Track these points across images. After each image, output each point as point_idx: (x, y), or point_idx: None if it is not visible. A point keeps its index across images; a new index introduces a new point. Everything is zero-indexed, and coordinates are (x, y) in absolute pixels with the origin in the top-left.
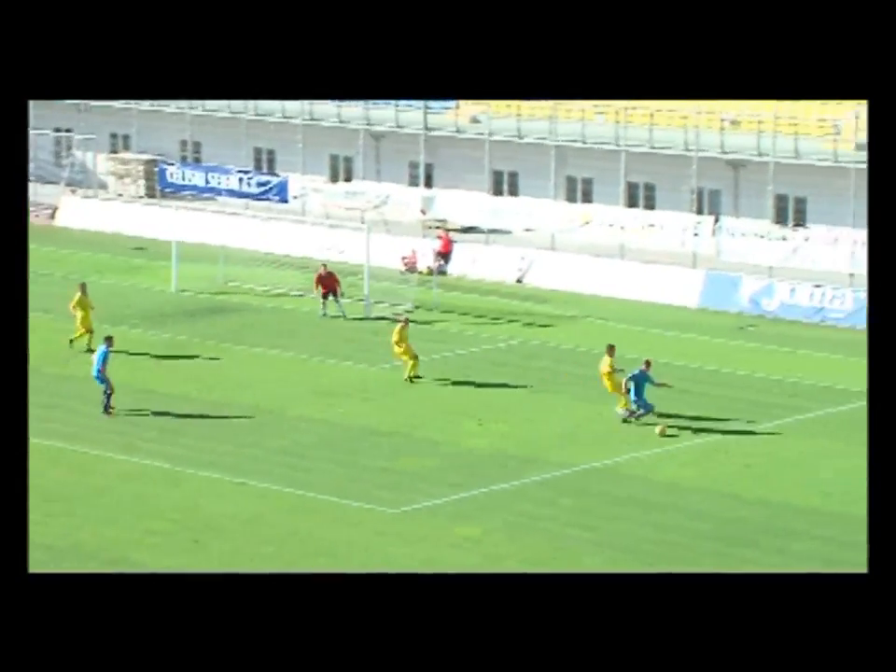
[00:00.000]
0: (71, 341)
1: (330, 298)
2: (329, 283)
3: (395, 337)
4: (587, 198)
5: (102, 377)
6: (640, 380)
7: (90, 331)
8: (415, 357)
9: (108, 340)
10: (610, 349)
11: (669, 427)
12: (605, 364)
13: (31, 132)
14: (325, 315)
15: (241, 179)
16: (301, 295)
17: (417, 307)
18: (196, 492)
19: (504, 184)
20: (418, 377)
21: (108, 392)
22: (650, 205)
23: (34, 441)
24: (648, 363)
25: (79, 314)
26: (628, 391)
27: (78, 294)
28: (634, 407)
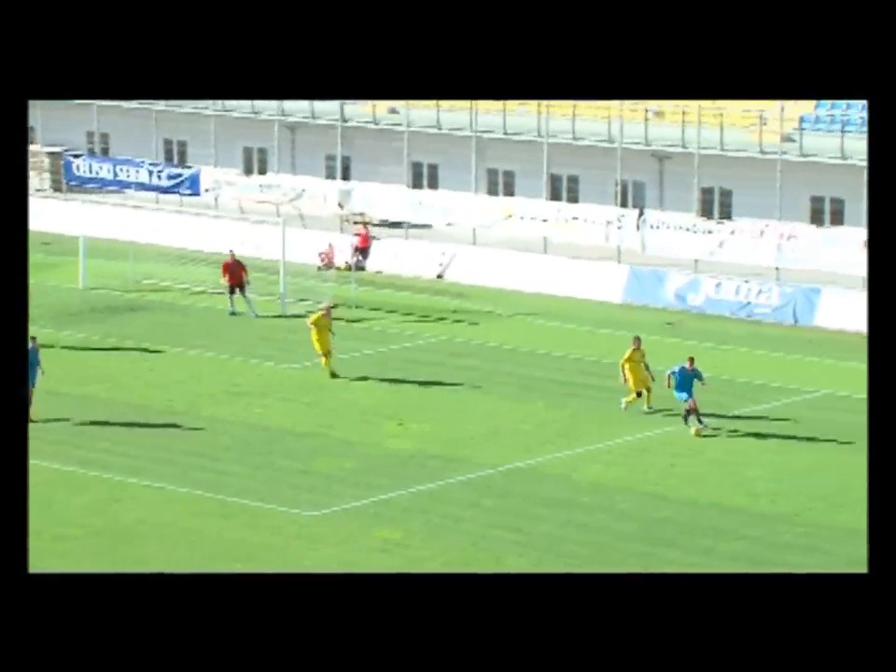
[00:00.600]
0: None
1: (238, 294)
2: (236, 272)
3: (311, 319)
4: (509, 191)
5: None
6: (687, 377)
7: None
8: (328, 353)
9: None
10: (636, 341)
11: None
12: (630, 355)
13: None
14: (233, 313)
15: (151, 172)
16: (214, 292)
17: (335, 305)
18: (107, 497)
19: (424, 176)
20: (335, 375)
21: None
22: (573, 198)
23: None
24: (692, 360)
25: None
26: (670, 386)
27: None
28: (685, 402)
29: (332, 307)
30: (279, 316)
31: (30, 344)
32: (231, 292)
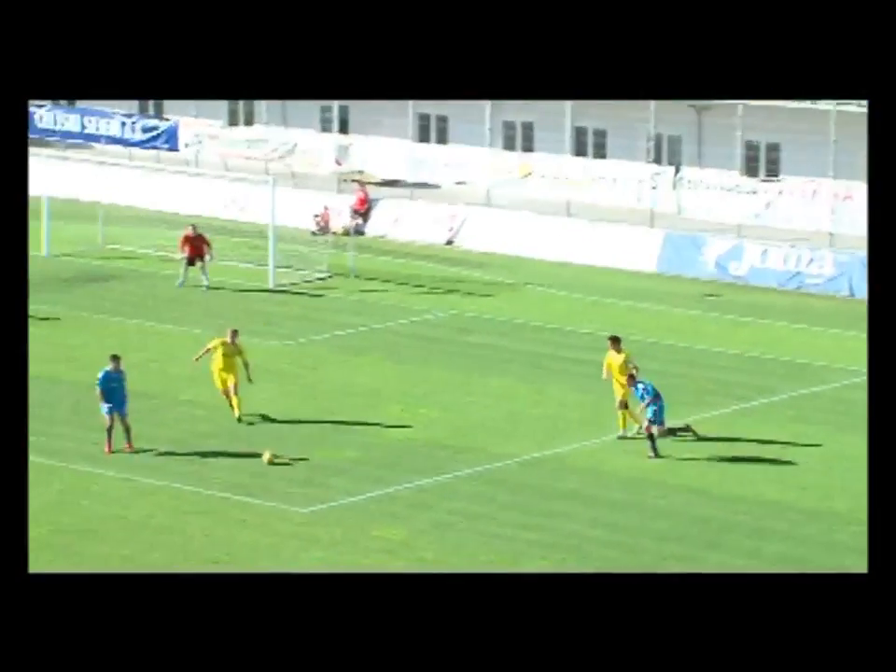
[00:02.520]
0: None
1: (197, 263)
2: (196, 245)
3: (210, 343)
4: (527, 146)
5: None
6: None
7: None
8: (228, 393)
9: (114, 358)
10: (614, 341)
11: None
12: (614, 359)
13: None
14: (182, 283)
15: (123, 124)
16: (210, 261)
17: (332, 274)
18: (74, 490)
19: (431, 130)
20: (240, 420)
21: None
22: (600, 154)
23: None
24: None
25: None
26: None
27: None
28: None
29: (235, 335)
30: (265, 290)
31: (111, 367)
32: (190, 263)
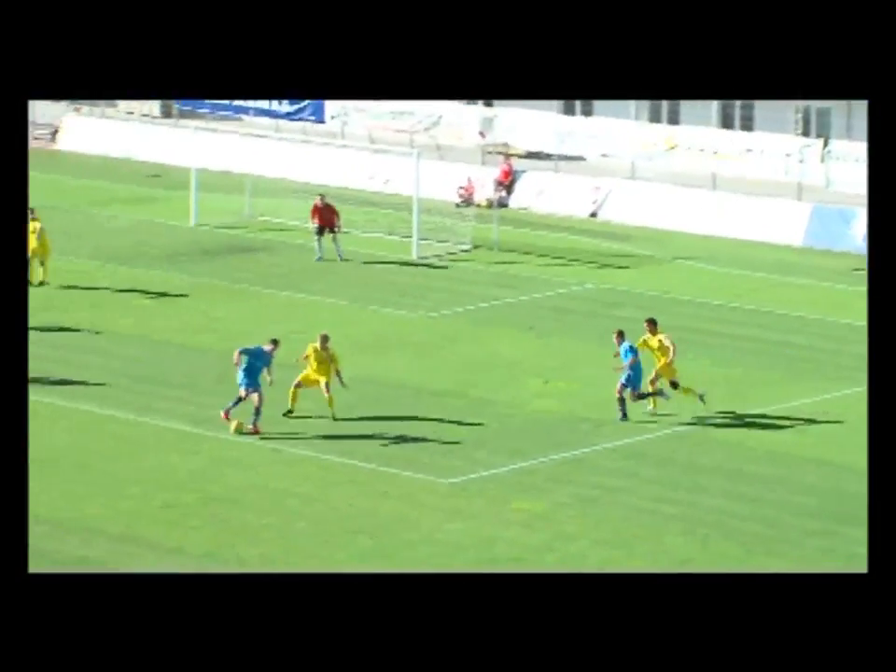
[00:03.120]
0: (41, 283)
1: (327, 234)
2: (326, 217)
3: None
4: (673, 118)
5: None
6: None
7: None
8: (326, 392)
9: (274, 343)
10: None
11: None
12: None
13: None
14: (321, 259)
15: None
16: (339, 231)
17: (475, 246)
18: (220, 459)
19: (576, 102)
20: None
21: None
22: (747, 127)
23: (35, 397)
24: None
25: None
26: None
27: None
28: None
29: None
30: (408, 264)
31: (268, 348)
32: (319, 234)
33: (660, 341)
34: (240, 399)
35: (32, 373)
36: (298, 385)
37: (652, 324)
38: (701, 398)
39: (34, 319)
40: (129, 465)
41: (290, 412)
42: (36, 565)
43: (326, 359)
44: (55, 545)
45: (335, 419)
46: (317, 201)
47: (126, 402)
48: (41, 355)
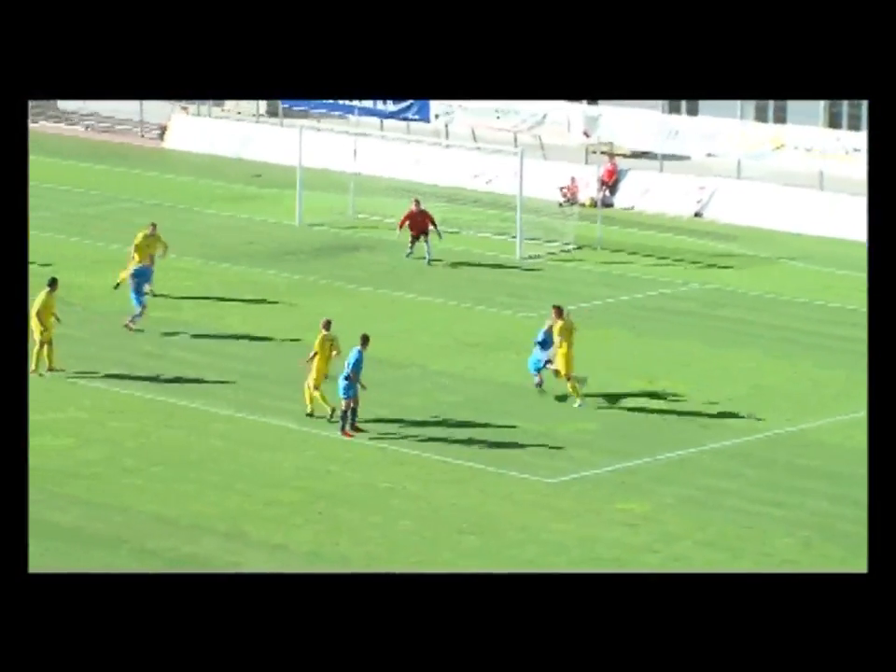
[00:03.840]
0: (117, 285)
1: (422, 239)
2: (420, 223)
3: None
4: (780, 117)
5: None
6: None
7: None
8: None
9: (365, 340)
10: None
11: None
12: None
13: None
14: (410, 254)
15: None
16: (441, 231)
17: (579, 246)
18: (326, 456)
19: (681, 101)
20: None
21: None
22: (854, 126)
23: (144, 395)
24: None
25: (137, 256)
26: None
27: (143, 233)
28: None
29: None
30: (511, 264)
31: (364, 348)
32: (415, 239)
33: (561, 327)
34: (345, 412)
35: (142, 372)
36: (317, 387)
37: (558, 310)
38: (574, 382)
39: (148, 320)
40: (235, 462)
41: (311, 414)
42: (146, 564)
43: (333, 349)
44: (164, 543)
45: (332, 417)
46: (412, 207)
47: (233, 400)
48: (151, 353)
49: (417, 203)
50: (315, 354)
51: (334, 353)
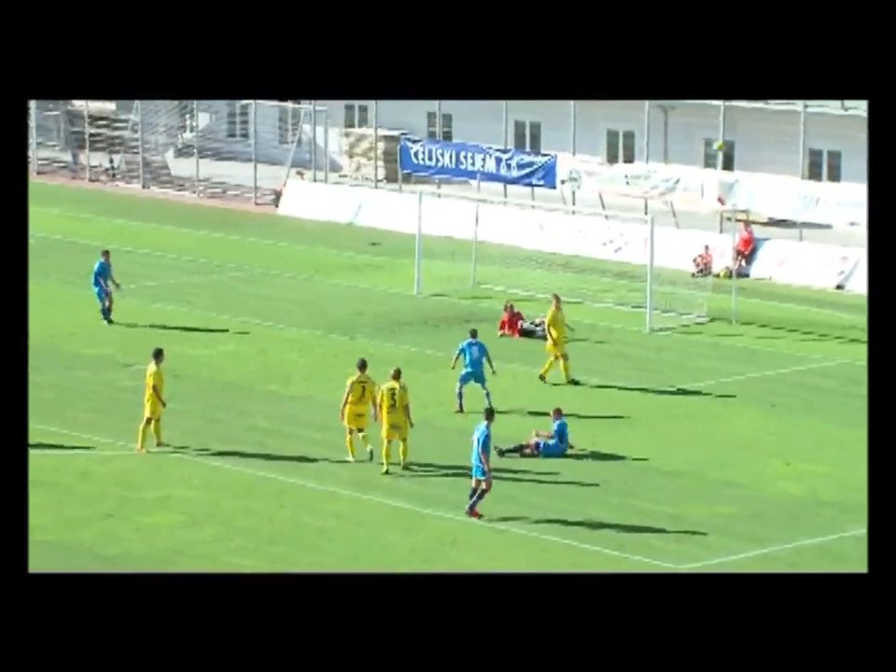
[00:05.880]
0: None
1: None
2: (513, 325)
3: (548, 320)
4: None
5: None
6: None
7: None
8: (565, 356)
9: (489, 414)
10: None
11: None
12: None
13: (251, 103)
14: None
15: (499, 160)
16: (572, 301)
17: (712, 318)
18: (439, 539)
19: (823, 166)
20: (575, 382)
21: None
22: None
23: (256, 473)
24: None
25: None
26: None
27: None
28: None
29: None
30: (640, 335)
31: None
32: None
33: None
34: (475, 491)
35: (252, 449)
36: (390, 441)
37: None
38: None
39: (250, 392)
40: (347, 542)
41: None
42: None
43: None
44: None
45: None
46: (506, 312)
47: (344, 478)
48: (261, 427)
49: (511, 307)
50: (348, 400)
51: (378, 397)
